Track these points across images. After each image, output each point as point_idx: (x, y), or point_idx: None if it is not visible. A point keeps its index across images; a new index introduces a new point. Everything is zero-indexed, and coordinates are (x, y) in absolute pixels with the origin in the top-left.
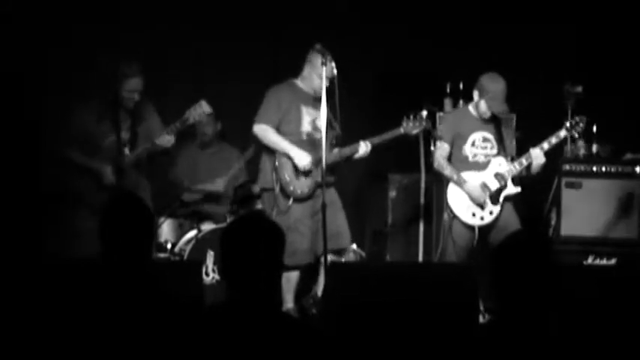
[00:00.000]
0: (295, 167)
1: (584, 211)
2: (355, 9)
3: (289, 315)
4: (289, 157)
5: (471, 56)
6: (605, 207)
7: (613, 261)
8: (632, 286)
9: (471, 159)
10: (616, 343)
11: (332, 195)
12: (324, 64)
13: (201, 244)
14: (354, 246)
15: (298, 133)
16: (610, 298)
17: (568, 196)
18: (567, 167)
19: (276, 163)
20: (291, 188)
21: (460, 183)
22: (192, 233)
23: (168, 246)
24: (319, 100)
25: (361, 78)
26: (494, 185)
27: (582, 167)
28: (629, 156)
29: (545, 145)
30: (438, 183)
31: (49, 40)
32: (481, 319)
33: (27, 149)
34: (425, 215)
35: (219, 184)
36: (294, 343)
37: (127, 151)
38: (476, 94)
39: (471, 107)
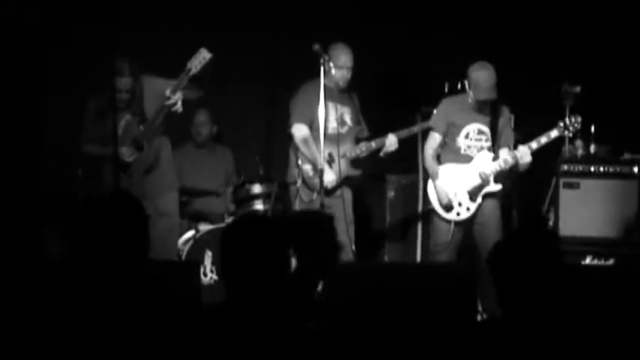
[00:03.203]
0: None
1: (582, 212)
2: (355, 9)
3: (289, 316)
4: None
5: (470, 56)
6: (603, 207)
7: (611, 261)
8: (630, 286)
9: (463, 151)
10: (614, 343)
11: (338, 204)
12: (322, 64)
13: (199, 245)
14: (352, 246)
15: (326, 128)
16: (608, 298)
17: (566, 196)
18: (565, 167)
19: (299, 161)
20: (315, 181)
21: (433, 178)
22: (190, 233)
23: None
24: (343, 94)
25: (361, 78)
26: (475, 181)
27: (580, 167)
28: (627, 156)
29: (534, 145)
30: None
31: (49, 40)
32: (479, 319)
33: (27, 149)
34: (423, 216)
35: (214, 185)
36: (293, 344)
37: (141, 127)
38: (467, 85)
39: (469, 97)
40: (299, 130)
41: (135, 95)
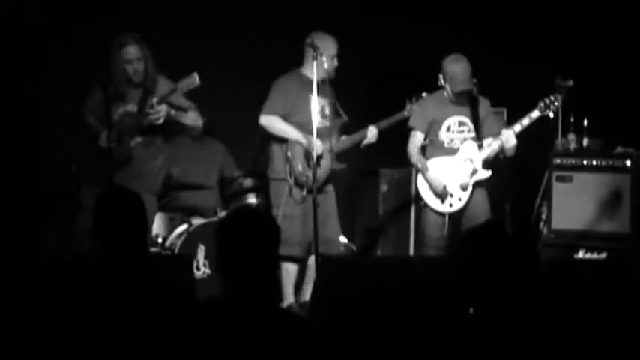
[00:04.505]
0: (306, 158)
1: (574, 205)
2: (353, 5)
3: (286, 310)
4: (300, 146)
5: (466, 49)
6: (595, 200)
7: (604, 255)
8: (622, 279)
9: (446, 145)
10: (606, 336)
11: (327, 199)
12: (314, 58)
13: (192, 238)
14: (345, 240)
15: (309, 122)
16: (600, 292)
17: (558, 190)
18: (558, 161)
19: (288, 153)
20: (304, 179)
21: (423, 171)
22: (183, 227)
23: (159, 240)
24: (322, 87)
25: (360, 72)
26: (465, 170)
27: (573, 161)
28: (619, 149)
29: (517, 127)
30: None
31: (49, 39)
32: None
33: (26, 149)
34: (416, 209)
35: (207, 178)
36: (292, 338)
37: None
38: (441, 79)
39: (445, 92)
40: (266, 120)
41: (148, 65)
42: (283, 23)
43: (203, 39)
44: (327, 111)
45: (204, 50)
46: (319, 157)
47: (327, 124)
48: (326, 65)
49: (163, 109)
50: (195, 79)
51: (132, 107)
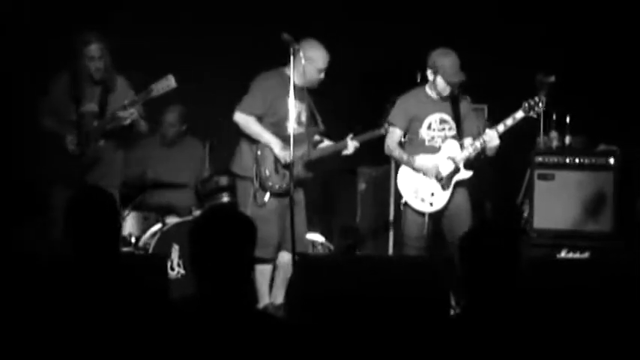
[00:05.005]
0: (276, 161)
1: (556, 204)
2: (341, 6)
3: (262, 310)
4: (271, 150)
5: (447, 46)
6: (578, 199)
7: (586, 254)
8: (605, 279)
9: (427, 142)
10: (588, 336)
11: (298, 197)
12: (292, 54)
13: (166, 238)
14: (323, 239)
15: (285, 127)
16: (583, 291)
17: (540, 188)
18: (540, 159)
19: (258, 153)
20: (270, 183)
21: (410, 162)
22: (156, 227)
23: (133, 240)
24: (300, 92)
25: (346, 74)
26: (447, 168)
27: (555, 159)
28: (602, 147)
29: (501, 128)
30: None
31: (48, 41)
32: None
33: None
34: (395, 208)
35: (184, 177)
36: (267, 339)
37: (95, 122)
38: (430, 74)
39: (427, 88)
40: (241, 118)
41: (108, 64)
42: (269, 24)
43: (187, 39)
44: (303, 117)
45: (187, 50)
46: (289, 165)
47: (302, 130)
48: (308, 70)
49: (134, 111)
50: (171, 81)
51: (93, 107)
